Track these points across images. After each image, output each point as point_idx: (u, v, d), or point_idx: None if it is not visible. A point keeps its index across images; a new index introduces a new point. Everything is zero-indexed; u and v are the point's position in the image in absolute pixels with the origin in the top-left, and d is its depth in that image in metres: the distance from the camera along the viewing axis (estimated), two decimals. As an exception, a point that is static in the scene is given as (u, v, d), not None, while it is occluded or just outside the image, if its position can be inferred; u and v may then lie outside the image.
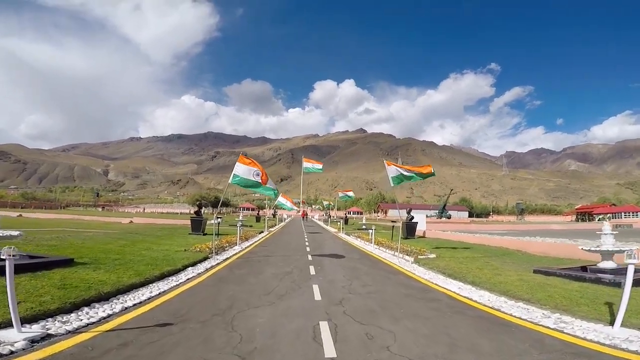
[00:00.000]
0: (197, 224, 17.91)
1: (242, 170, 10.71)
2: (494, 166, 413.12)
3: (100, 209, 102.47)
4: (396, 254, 12.80)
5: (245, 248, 13.85)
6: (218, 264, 9.96)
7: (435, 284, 8.01)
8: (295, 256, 11.82)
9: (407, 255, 11.96)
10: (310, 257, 11.48)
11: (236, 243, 14.36)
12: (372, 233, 15.63)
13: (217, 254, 11.67)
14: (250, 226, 29.81)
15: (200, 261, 9.97)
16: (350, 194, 26.31)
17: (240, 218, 31.84)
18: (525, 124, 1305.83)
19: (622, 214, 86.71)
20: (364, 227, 30.50)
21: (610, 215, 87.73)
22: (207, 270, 8.87)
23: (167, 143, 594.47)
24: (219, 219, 20.16)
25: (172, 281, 7.41)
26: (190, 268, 8.91)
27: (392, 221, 20.10)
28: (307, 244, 16.44)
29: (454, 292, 7.15)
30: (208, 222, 20.27)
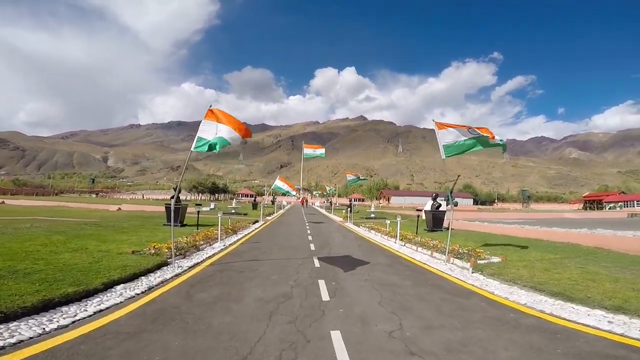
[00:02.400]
0: (174, 213, 14.27)
1: (208, 128, 7.05)
2: (495, 154, 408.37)
3: (94, 196, 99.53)
4: (432, 254, 9.29)
5: (229, 246, 10.27)
6: (176, 275, 6.44)
7: (552, 316, 4.56)
8: (295, 260, 8.27)
9: (456, 258, 8.43)
10: (317, 263, 7.94)
11: (217, 238, 10.79)
12: (397, 226, 11.90)
13: (183, 257, 8.14)
14: (245, 214, 26.35)
15: (149, 271, 6.46)
16: (351, 176, 22.59)
17: (234, 205, 28.35)
18: (526, 113, 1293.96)
19: (635, 202, 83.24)
20: (372, 215, 26.97)
21: (622, 203, 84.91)
22: (145, 292, 5.33)
23: (167, 130, 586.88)
24: (200, 206, 16.68)
25: (42, 323, 3.88)
26: (120, 287, 5.39)
27: (418, 209, 16.42)
28: (310, 238, 12.86)
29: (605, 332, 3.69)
30: (202, 209, 16.77)
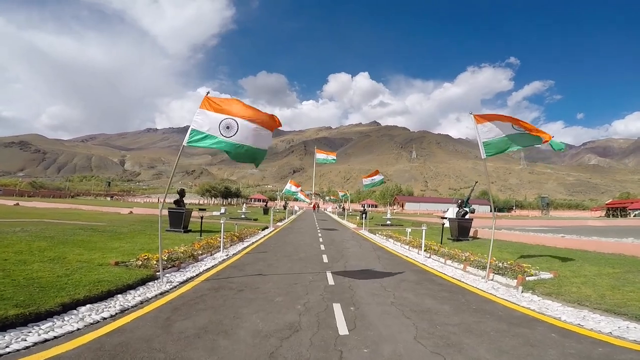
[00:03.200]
0: (177, 218, 13.29)
1: (207, 121, 5.91)
2: (511, 160, 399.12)
3: (109, 199, 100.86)
4: (465, 268, 7.94)
5: (232, 257, 9.11)
6: (161, 294, 5.32)
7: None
8: (305, 275, 7.06)
9: (497, 273, 7.08)
10: (331, 279, 6.70)
11: (220, 247, 9.66)
12: (423, 235, 10.37)
13: (177, 269, 7.03)
14: (255, 219, 25.30)
15: (130, 287, 5.36)
16: (378, 177, 21.27)
17: (244, 210, 27.35)
18: (544, 119, 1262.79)
19: (665, 210, 78.65)
20: (388, 222, 25.52)
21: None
22: (115, 316, 4.20)
23: (183, 134, 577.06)
24: (204, 211, 15.68)
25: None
26: (85, 308, 4.28)
27: (442, 217, 14.99)
28: (322, 248, 11.61)
29: None
30: (209, 213, 15.77)
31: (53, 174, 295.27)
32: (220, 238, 11.31)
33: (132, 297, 5.00)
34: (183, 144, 6.14)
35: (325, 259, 9.17)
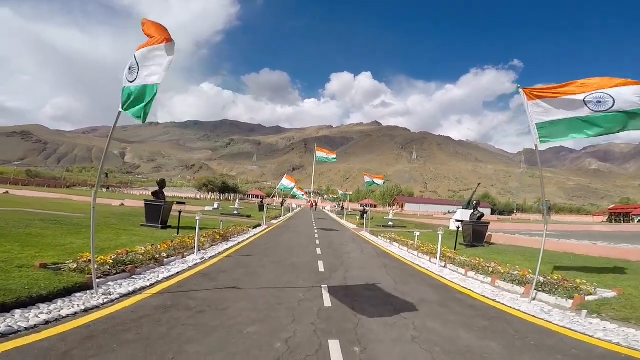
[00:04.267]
0: (154, 212, 11.67)
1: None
2: (512, 163, 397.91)
3: (105, 190, 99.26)
4: (495, 282, 6.38)
5: (208, 260, 7.47)
6: (84, 311, 3.74)
7: None
8: (294, 291, 5.42)
9: (540, 290, 5.52)
10: (327, 298, 5.02)
11: (194, 248, 8.04)
12: (439, 242, 8.60)
13: (130, 274, 5.46)
14: (248, 216, 23.73)
15: (41, 300, 3.80)
16: (379, 181, 20.00)
17: (237, 206, 25.74)
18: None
19: (671, 215, 77.12)
20: (390, 224, 23.94)
21: (652, 216, 78.97)
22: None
23: (184, 129, 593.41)
24: (183, 205, 14.10)
25: None
26: None
27: (458, 220, 13.35)
28: (318, 252, 9.95)
29: None
30: (200, 207, 14.19)
31: (53, 164, 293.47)
32: (205, 235, 9.79)
33: (33, 315, 3.45)
34: (119, 109, 4.54)
35: (321, 266, 7.54)
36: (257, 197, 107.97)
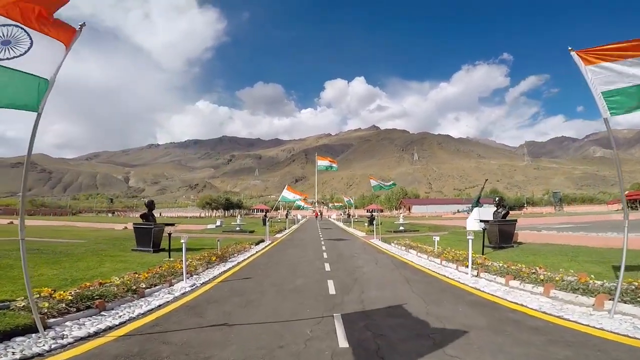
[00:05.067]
0: (144, 235, 10.64)
1: None
2: (515, 156, 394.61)
3: (110, 215, 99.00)
4: (549, 292, 5.24)
5: (198, 288, 6.36)
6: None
7: None
8: (298, 327, 4.25)
9: (621, 301, 4.37)
10: (342, 335, 3.84)
11: (190, 273, 6.96)
12: (469, 248, 7.33)
13: (99, 310, 4.40)
14: (251, 232, 22.66)
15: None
16: (388, 183, 18.88)
17: (239, 222, 24.67)
18: (544, 113, 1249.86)
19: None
20: (401, 228, 22.72)
21: (670, 201, 76.72)
22: None
23: (184, 149, 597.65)
24: (173, 225, 13.03)
25: None
26: None
27: (483, 220, 12.04)
28: (327, 268, 8.79)
29: None
30: (202, 226, 13.16)
31: (60, 193, 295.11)
32: (200, 256, 8.76)
33: None
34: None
35: (331, 287, 6.44)
36: (261, 211, 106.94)
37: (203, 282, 6.85)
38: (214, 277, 7.48)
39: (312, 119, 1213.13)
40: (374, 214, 32.23)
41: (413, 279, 7.40)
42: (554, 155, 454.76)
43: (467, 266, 7.50)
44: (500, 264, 7.22)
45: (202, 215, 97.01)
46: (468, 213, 69.88)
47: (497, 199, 12.52)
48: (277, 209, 75.99)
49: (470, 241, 7.34)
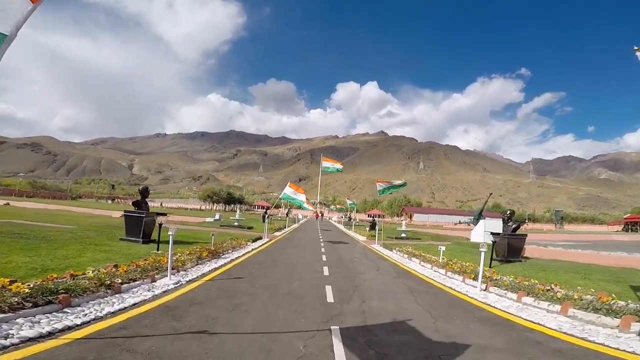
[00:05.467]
0: (135, 224, 10.15)
1: None
2: (520, 173, 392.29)
3: (109, 202, 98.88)
4: (567, 310, 4.68)
5: (183, 286, 5.87)
6: None
7: None
8: (290, 341, 3.74)
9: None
10: (341, 354, 3.37)
11: (176, 269, 6.45)
12: (481, 260, 6.73)
13: (62, 306, 3.90)
14: (250, 228, 22.19)
15: None
16: (398, 181, 18.17)
17: (237, 217, 24.19)
18: (554, 131, 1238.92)
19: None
20: (403, 235, 22.14)
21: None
22: None
23: (191, 140, 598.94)
24: (165, 216, 12.52)
25: None
26: None
27: (493, 233, 11.46)
28: (326, 272, 8.25)
29: None
30: (201, 219, 12.69)
31: (62, 176, 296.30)
32: (191, 250, 8.27)
33: None
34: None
35: (329, 294, 5.91)
36: (262, 207, 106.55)
37: (189, 280, 6.34)
38: (203, 275, 6.97)
39: (321, 119, 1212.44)
40: (375, 219, 31.68)
41: (417, 289, 6.87)
42: (559, 174, 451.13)
43: (473, 279, 6.94)
44: (511, 278, 6.67)
45: (203, 207, 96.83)
46: (469, 225, 69.15)
47: (508, 212, 11.98)
48: (277, 206, 75.53)
49: (482, 254, 6.78)
